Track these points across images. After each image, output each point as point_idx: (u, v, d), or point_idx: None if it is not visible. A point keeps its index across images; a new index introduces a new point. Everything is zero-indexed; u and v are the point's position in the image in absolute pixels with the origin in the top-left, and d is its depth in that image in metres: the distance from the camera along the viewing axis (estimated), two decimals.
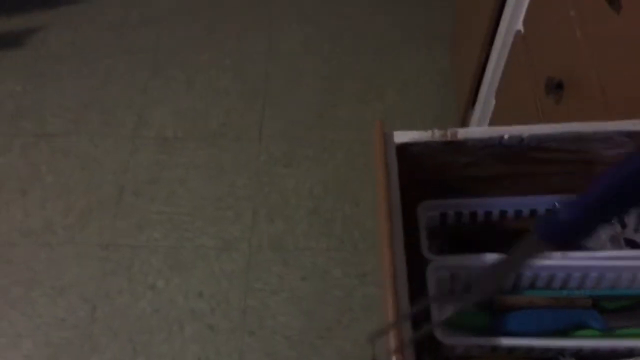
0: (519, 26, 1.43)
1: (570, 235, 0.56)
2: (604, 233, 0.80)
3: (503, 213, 0.83)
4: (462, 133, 0.75)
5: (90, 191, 1.86)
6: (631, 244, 0.81)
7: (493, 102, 1.63)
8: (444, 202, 0.84)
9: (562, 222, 0.55)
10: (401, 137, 0.76)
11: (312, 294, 1.67)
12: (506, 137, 0.74)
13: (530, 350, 0.73)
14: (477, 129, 0.75)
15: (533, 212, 0.83)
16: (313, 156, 1.95)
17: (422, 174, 0.81)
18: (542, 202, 0.82)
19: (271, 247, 1.75)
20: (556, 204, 0.81)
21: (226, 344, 1.58)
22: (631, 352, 0.71)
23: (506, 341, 0.72)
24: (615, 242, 0.79)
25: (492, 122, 1.63)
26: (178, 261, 1.72)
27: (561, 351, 0.72)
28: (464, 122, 1.85)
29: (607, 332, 0.74)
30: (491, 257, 0.76)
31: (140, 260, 1.72)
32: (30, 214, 1.80)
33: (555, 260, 0.76)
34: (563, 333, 0.74)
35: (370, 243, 1.75)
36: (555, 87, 1.16)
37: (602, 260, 0.75)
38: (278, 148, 1.97)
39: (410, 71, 2.16)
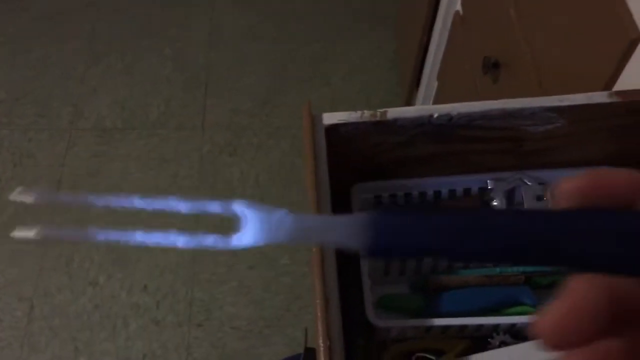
0: (458, 7, 1.43)
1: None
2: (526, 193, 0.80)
3: (437, 193, 0.83)
4: (392, 113, 0.74)
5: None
6: None
7: (436, 84, 1.63)
8: (378, 184, 0.82)
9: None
10: (330, 118, 0.74)
11: (261, 282, 1.65)
12: (435, 115, 0.73)
13: (463, 328, 0.72)
14: (407, 109, 0.74)
15: (467, 191, 0.83)
16: (258, 144, 1.92)
17: (354, 157, 0.80)
18: (474, 181, 0.82)
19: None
20: (488, 181, 0.81)
21: (173, 338, 1.55)
22: None
23: (438, 321, 0.71)
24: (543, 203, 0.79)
25: (435, 104, 1.63)
26: (120, 255, 1.67)
27: (495, 328, 0.72)
28: (409, 106, 1.85)
29: (539, 308, 0.74)
30: None
31: (81, 256, 1.66)
32: None
33: None
34: (497, 311, 0.73)
35: None
36: (492, 66, 1.16)
37: None
38: (222, 137, 1.93)
39: (356, 55, 2.14)
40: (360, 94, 2.05)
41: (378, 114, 0.74)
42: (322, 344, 0.57)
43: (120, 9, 2.23)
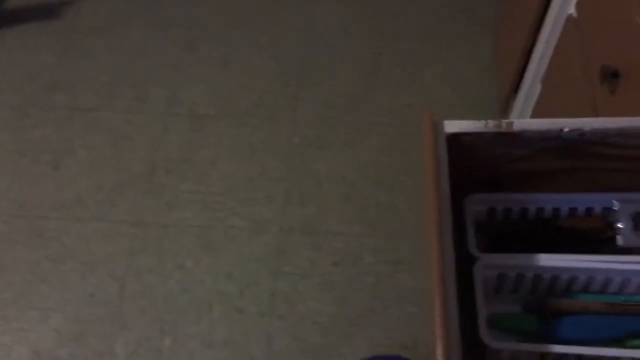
0: (571, 10, 1.36)
1: None
2: None
3: (556, 211, 0.79)
4: (518, 124, 0.70)
5: (122, 168, 1.84)
6: None
7: (539, 88, 1.56)
8: (493, 197, 0.79)
9: None
10: (452, 126, 0.72)
11: (344, 279, 1.64)
12: (566, 130, 0.69)
13: (580, 357, 0.68)
14: (534, 121, 0.70)
15: (589, 211, 0.78)
16: (347, 140, 1.90)
17: (470, 166, 0.77)
18: (599, 200, 0.77)
19: (302, 230, 1.72)
20: (614, 202, 0.76)
21: (254, 327, 1.56)
22: None
23: (557, 348, 0.67)
24: None
25: (537, 110, 1.56)
26: (208, 241, 1.70)
27: None
28: (506, 110, 1.79)
29: None
30: (543, 258, 0.71)
31: (170, 239, 1.70)
32: (62, 188, 1.80)
33: (612, 263, 0.71)
34: (618, 341, 0.69)
35: (403, 230, 1.71)
36: (611, 76, 1.10)
37: None
38: (312, 130, 1.93)
39: (449, 56, 2.09)
40: (453, 96, 1.99)
41: (504, 124, 0.70)
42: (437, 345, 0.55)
43: None
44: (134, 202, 1.78)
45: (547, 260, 0.71)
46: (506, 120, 0.70)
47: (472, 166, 0.77)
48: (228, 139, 1.92)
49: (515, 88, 1.74)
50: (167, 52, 2.12)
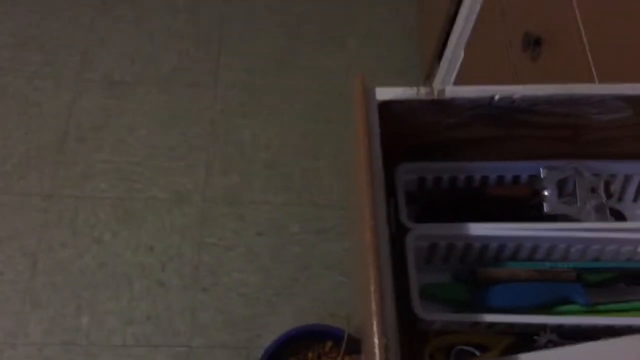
0: None
1: None
2: (588, 203, 0.75)
3: (484, 179, 0.78)
4: (450, 92, 0.68)
5: (30, 137, 1.72)
6: (616, 215, 0.77)
7: (462, 55, 1.57)
8: (423, 165, 0.78)
9: None
10: (383, 94, 0.69)
11: (269, 250, 1.61)
12: (497, 97, 0.68)
13: (510, 325, 0.69)
14: (466, 88, 0.69)
15: (516, 179, 0.78)
16: (271, 106, 1.86)
17: (400, 134, 0.75)
18: (525, 168, 0.77)
19: (226, 201, 1.67)
20: (541, 170, 0.77)
21: (178, 301, 1.51)
22: (612, 329, 0.68)
23: (487, 317, 0.67)
24: (601, 212, 0.75)
25: (460, 78, 1.57)
26: (126, 214, 1.63)
27: (542, 327, 0.68)
28: (429, 76, 1.79)
29: (589, 308, 0.70)
30: (473, 227, 0.71)
31: (85, 212, 1.61)
32: None
33: (539, 230, 0.71)
34: (546, 307, 0.70)
35: (329, 199, 1.70)
36: (534, 44, 1.10)
37: (587, 232, 0.71)
38: (234, 97, 1.86)
39: (373, 21, 2.07)
40: (377, 62, 1.98)
41: (435, 92, 0.68)
42: (377, 341, 0.53)
43: None
44: (44, 173, 1.67)
45: (477, 229, 0.70)
46: (438, 88, 0.68)
47: (402, 134, 0.75)
48: (146, 106, 1.83)
49: (439, 55, 1.75)
50: (79, 13, 1.98)
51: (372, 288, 0.56)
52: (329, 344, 1.41)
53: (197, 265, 1.57)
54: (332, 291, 1.55)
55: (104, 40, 1.93)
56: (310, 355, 1.40)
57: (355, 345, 0.61)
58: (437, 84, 1.71)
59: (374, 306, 0.55)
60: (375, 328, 0.54)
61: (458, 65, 1.60)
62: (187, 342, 1.46)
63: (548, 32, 1.09)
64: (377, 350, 0.53)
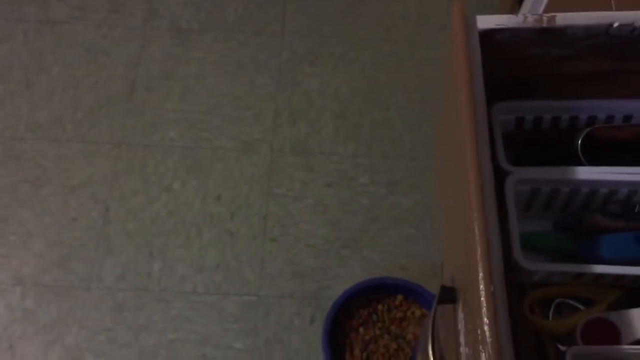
0: None
1: None
2: None
3: (591, 119, 0.71)
4: (562, 19, 0.61)
5: (100, 85, 1.72)
6: None
7: None
8: (522, 104, 0.71)
9: None
10: (485, 22, 0.63)
11: (338, 201, 1.58)
12: (615, 25, 0.61)
13: (619, 278, 0.63)
14: (579, 15, 0.61)
15: (627, 119, 0.71)
16: (339, 55, 1.80)
17: (500, 70, 0.68)
18: (638, 107, 0.70)
19: (294, 151, 1.64)
20: None
21: (247, 251, 1.50)
22: None
23: (595, 268, 0.61)
24: None
25: (549, 6, 1.45)
26: (195, 163, 1.62)
27: None
28: (513, 7, 1.68)
29: None
30: (582, 171, 0.64)
31: (155, 161, 1.61)
32: (36, 107, 1.68)
33: None
34: None
35: (399, 150, 1.64)
36: None
37: None
38: (302, 45, 1.81)
39: None
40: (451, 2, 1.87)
41: (544, 19, 0.61)
42: (484, 289, 0.48)
43: None
44: (114, 122, 1.67)
45: (586, 172, 0.64)
46: (548, 15, 0.61)
47: (502, 70, 0.68)
48: (213, 54, 1.80)
49: None
50: None
51: (478, 232, 0.51)
52: (400, 297, 1.38)
53: (265, 215, 1.55)
54: (401, 244, 1.51)
55: None
56: (380, 308, 1.37)
57: (449, 294, 0.57)
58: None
59: (479, 251, 0.50)
60: (481, 275, 0.49)
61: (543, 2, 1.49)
62: (256, 291, 1.45)
63: None
64: (484, 299, 0.48)
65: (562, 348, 0.62)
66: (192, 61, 1.77)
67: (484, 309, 0.48)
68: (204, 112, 1.69)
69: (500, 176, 0.66)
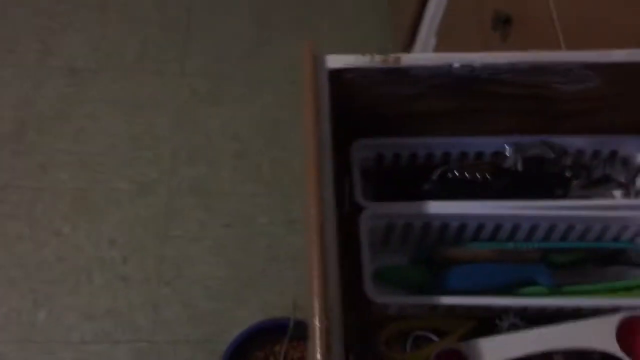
0: None
1: None
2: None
3: (446, 156, 0.74)
4: (406, 59, 0.64)
5: None
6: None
7: (433, 42, 1.53)
8: (381, 141, 0.73)
9: None
10: (335, 61, 0.64)
11: (236, 242, 1.56)
12: (456, 65, 0.64)
13: (471, 309, 0.64)
14: (424, 55, 0.64)
15: (479, 155, 0.74)
16: (240, 95, 1.80)
17: (355, 108, 0.70)
18: (490, 144, 0.73)
19: (192, 192, 1.62)
20: (506, 146, 0.72)
21: (140, 295, 1.46)
22: (578, 311, 0.64)
23: (445, 300, 0.63)
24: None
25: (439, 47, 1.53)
26: (88, 206, 1.56)
27: (505, 310, 0.64)
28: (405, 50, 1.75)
29: (554, 289, 0.66)
30: (432, 205, 0.66)
31: (44, 204, 1.55)
32: None
33: (503, 209, 0.67)
34: (509, 290, 0.65)
35: (298, 189, 1.65)
36: (503, 22, 1.07)
37: (554, 210, 0.67)
38: (202, 85, 1.81)
39: (345, 8, 2.02)
40: (349, 50, 1.93)
41: (391, 59, 0.64)
42: (318, 324, 0.48)
43: None
44: (1, 164, 1.60)
45: (436, 207, 0.66)
46: (394, 55, 0.64)
47: (357, 108, 0.70)
48: (110, 93, 1.76)
49: (410, 43, 1.71)
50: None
51: (314, 266, 0.51)
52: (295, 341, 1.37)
53: (161, 258, 1.51)
54: (299, 283, 1.50)
55: (66, 27, 1.86)
56: (277, 348, 1.35)
57: (299, 329, 0.56)
58: None
59: (315, 286, 0.50)
60: (316, 309, 0.49)
61: (430, 51, 1.56)
62: (149, 337, 1.40)
63: (516, 9, 1.05)
64: (317, 334, 0.48)
65: None
66: (87, 101, 1.73)
67: (317, 344, 0.47)
68: (99, 153, 1.65)
69: (359, 212, 0.67)
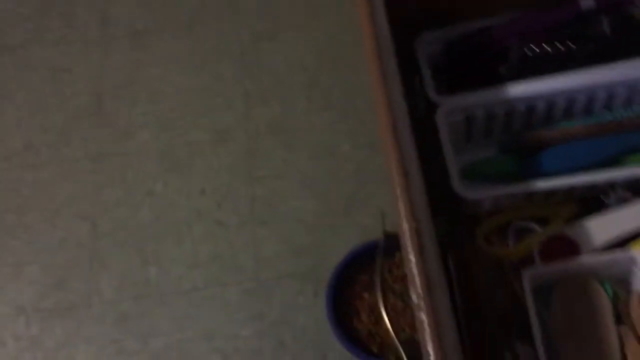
0: None
1: None
2: None
3: (521, 32, 0.67)
4: None
5: (67, 103, 1.71)
6: None
7: None
8: (448, 31, 0.68)
9: None
10: None
11: (323, 172, 1.55)
12: None
13: (571, 190, 0.60)
14: None
15: (557, 26, 0.67)
16: (300, 25, 1.76)
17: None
18: (568, 10, 0.66)
19: (270, 131, 1.61)
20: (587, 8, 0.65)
21: (239, 238, 1.49)
22: None
23: (542, 184, 0.58)
24: None
25: None
26: (173, 161, 1.60)
27: (611, 185, 0.59)
28: None
29: None
30: (513, 87, 0.61)
31: (133, 168, 1.60)
32: (6, 136, 1.67)
33: (594, 77, 0.61)
34: (612, 163, 0.60)
35: (374, 110, 1.60)
36: None
37: None
38: (259, 22, 1.78)
39: None
40: None
41: None
42: (406, 226, 0.46)
43: None
44: (87, 136, 1.66)
45: (518, 89, 0.60)
46: None
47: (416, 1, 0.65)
48: (174, 51, 1.77)
49: None
50: None
51: (395, 168, 0.49)
52: (398, 254, 1.35)
53: (252, 200, 1.53)
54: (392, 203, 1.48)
55: None
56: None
57: (391, 241, 0.54)
58: None
59: (398, 188, 0.48)
60: (402, 212, 0.47)
61: None
62: (255, 276, 1.44)
63: None
64: (408, 235, 0.46)
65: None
66: (154, 62, 1.75)
67: (410, 246, 0.45)
68: (173, 109, 1.67)
69: (435, 110, 0.63)
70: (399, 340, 1.07)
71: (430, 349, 0.39)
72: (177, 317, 1.41)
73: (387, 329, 1.18)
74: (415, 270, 0.43)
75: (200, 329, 1.40)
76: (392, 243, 0.54)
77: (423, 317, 0.41)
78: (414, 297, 0.43)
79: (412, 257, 0.44)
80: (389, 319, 1.27)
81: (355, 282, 1.36)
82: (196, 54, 1.75)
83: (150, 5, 1.84)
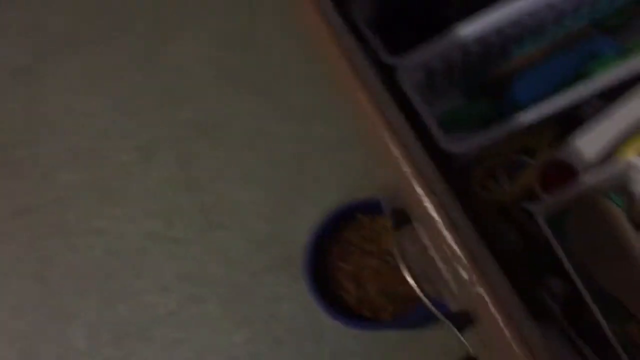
0: None
1: None
2: None
3: None
4: None
5: None
6: None
7: None
8: None
9: None
10: None
11: (262, 160, 1.51)
12: None
13: (547, 117, 0.60)
14: None
15: None
16: (196, 18, 1.68)
17: None
18: None
19: (195, 133, 1.55)
20: None
21: (201, 249, 1.44)
22: None
23: (522, 117, 0.58)
24: None
25: None
26: (106, 193, 1.52)
27: (586, 99, 0.59)
28: None
29: (622, 52, 0.60)
30: (462, 28, 0.59)
31: (69, 212, 1.51)
32: None
33: None
34: (580, 78, 0.60)
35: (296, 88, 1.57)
36: None
37: None
38: (153, 30, 1.69)
39: None
40: None
41: None
42: (429, 204, 0.44)
43: None
44: (5, 193, 1.54)
45: (468, 28, 0.59)
46: None
47: None
48: (68, 77, 1.66)
49: None
50: None
51: (391, 143, 0.46)
52: (361, 217, 1.34)
53: (202, 207, 1.48)
54: (343, 168, 1.45)
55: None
56: (348, 236, 1.33)
57: (401, 216, 0.52)
58: None
59: (393, 148, 0.45)
60: (419, 191, 0.45)
61: None
62: (229, 282, 1.40)
63: None
64: (435, 214, 0.44)
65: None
66: (49, 95, 1.64)
67: (439, 224, 0.43)
68: (88, 138, 1.57)
69: (390, 72, 0.61)
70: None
71: (501, 323, 0.38)
72: (164, 346, 1.36)
73: (409, 288, 1.17)
74: (455, 246, 0.42)
75: (191, 351, 1.35)
76: (400, 219, 0.53)
77: (481, 292, 0.40)
78: (462, 273, 0.41)
79: (446, 234, 0.42)
80: (379, 282, 1.27)
81: (329, 254, 1.34)
82: (91, 76, 1.65)
83: (30, 38, 1.71)
